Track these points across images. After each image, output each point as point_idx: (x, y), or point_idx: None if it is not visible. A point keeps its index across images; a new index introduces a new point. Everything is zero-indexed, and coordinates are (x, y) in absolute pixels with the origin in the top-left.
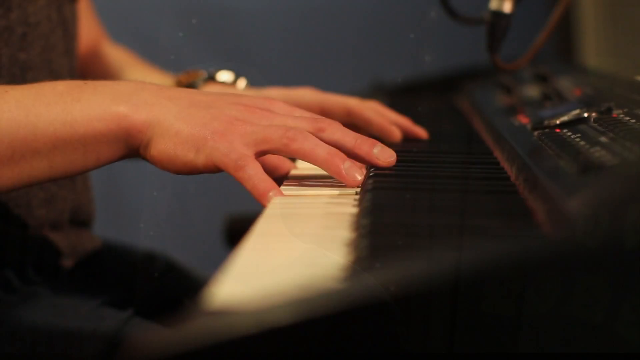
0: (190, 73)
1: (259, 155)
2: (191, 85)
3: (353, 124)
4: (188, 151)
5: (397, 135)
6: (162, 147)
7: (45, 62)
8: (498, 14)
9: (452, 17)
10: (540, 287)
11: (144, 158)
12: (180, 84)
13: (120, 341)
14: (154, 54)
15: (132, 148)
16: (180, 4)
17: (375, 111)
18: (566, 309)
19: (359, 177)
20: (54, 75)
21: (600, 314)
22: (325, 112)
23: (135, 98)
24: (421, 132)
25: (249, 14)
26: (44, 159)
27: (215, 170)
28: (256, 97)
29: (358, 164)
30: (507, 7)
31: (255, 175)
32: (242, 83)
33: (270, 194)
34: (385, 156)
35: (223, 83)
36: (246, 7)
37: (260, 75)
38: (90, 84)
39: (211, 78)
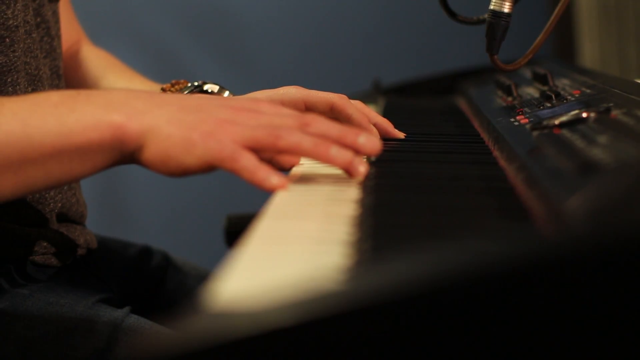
0: (175, 83)
1: None
2: None
3: (336, 119)
4: (180, 153)
5: (374, 135)
6: (155, 151)
7: (25, 65)
8: (498, 14)
9: (452, 17)
10: (538, 288)
11: (138, 163)
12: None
13: (117, 339)
14: (157, 56)
15: (126, 155)
16: (183, 7)
17: (357, 109)
18: (565, 310)
19: (349, 158)
20: (36, 77)
21: (599, 315)
22: (310, 108)
23: (128, 107)
24: (399, 135)
25: (251, 17)
26: (41, 168)
27: (207, 169)
28: (243, 99)
29: (347, 149)
30: (507, 7)
31: (251, 165)
32: (226, 94)
33: (271, 179)
34: (370, 145)
35: (209, 93)
36: (249, 10)
37: (262, 77)
38: (84, 94)
39: (196, 88)
